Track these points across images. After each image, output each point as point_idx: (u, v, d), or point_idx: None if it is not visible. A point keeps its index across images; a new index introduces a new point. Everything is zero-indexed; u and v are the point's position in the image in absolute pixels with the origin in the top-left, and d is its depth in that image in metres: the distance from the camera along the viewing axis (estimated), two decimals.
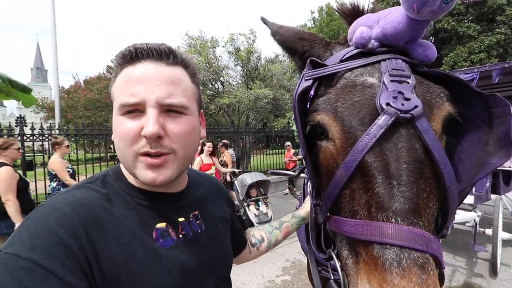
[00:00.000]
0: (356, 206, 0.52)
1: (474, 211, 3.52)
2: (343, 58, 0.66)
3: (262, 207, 5.29)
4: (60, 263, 0.44)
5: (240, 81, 12.66)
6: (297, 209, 1.39)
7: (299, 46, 0.82)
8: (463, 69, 3.54)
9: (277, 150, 9.43)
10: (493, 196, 3.72)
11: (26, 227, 0.48)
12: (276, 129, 10.83)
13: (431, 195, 0.50)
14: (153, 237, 0.58)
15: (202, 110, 0.72)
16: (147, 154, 0.55)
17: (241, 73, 12.31)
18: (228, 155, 6.69)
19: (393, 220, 0.45)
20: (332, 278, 0.79)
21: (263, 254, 1.02)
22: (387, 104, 0.51)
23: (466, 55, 15.14)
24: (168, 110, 0.57)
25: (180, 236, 0.63)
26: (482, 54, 14.87)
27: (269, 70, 11.84)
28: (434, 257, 0.44)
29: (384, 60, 0.59)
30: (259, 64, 12.10)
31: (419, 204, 0.47)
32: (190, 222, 0.68)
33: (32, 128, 5.66)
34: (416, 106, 0.51)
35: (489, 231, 3.45)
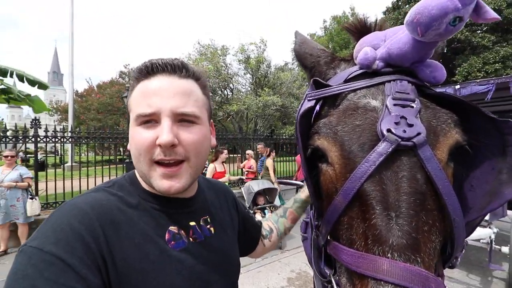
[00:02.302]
0: (354, 235, 0.50)
1: (490, 228, 3.39)
2: (347, 78, 0.64)
3: (268, 216, 5.18)
4: (78, 258, 0.47)
5: (249, 88, 12.75)
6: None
7: (308, 62, 0.81)
8: (478, 80, 3.44)
9: (284, 158, 9.40)
10: (509, 212, 3.57)
11: (50, 223, 0.51)
12: (284, 136, 10.79)
13: (434, 228, 0.47)
14: (165, 239, 0.60)
15: (211, 120, 0.75)
16: (162, 163, 0.58)
17: (251, 80, 12.40)
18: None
19: (389, 255, 0.43)
20: None
21: (276, 243, 1.04)
22: (388, 130, 0.49)
23: (480, 65, 14.85)
24: (181, 120, 0.60)
25: (191, 239, 0.65)
26: (497, 64, 14.54)
27: (279, 78, 11.89)
28: None
29: (389, 81, 0.57)
30: (268, 72, 12.17)
31: (419, 239, 0.44)
32: (200, 227, 0.69)
33: (46, 130, 5.81)
34: (419, 133, 0.48)
35: (505, 249, 3.31)
